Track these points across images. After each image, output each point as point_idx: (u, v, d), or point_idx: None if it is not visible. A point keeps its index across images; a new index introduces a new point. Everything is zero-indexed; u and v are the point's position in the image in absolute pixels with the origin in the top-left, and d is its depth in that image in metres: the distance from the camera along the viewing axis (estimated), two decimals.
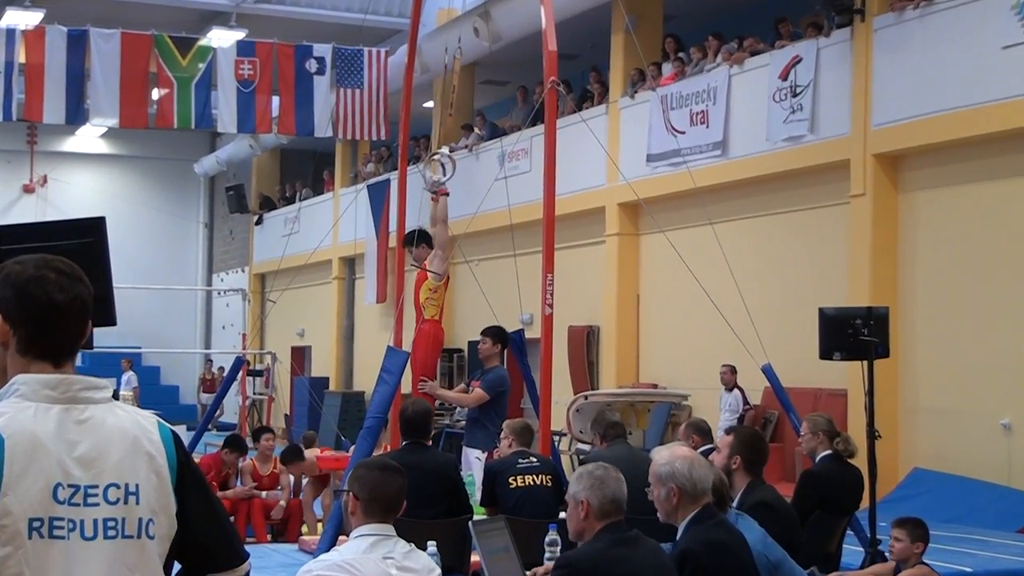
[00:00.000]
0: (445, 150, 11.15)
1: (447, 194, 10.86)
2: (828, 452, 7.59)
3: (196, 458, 12.40)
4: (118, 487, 2.29)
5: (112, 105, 17.35)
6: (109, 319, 2.96)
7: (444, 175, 11.00)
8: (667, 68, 17.87)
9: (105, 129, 29.21)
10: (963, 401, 13.18)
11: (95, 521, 2.27)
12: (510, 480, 7.74)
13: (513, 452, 8.05)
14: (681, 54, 17.70)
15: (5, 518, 2.19)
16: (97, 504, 2.27)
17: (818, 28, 15.05)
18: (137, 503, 2.31)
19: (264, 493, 12.12)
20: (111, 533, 2.28)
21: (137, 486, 2.32)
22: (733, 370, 15.14)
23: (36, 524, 2.21)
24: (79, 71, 17.23)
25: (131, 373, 27.26)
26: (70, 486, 2.25)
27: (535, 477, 7.81)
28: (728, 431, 6.23)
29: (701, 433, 8.00)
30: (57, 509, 2.23)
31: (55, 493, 2.23)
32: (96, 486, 2.27)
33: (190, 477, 2.44)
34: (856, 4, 14.14)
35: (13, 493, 2.20)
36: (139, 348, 29.13)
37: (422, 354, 10.62)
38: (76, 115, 17.52)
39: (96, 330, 2.74)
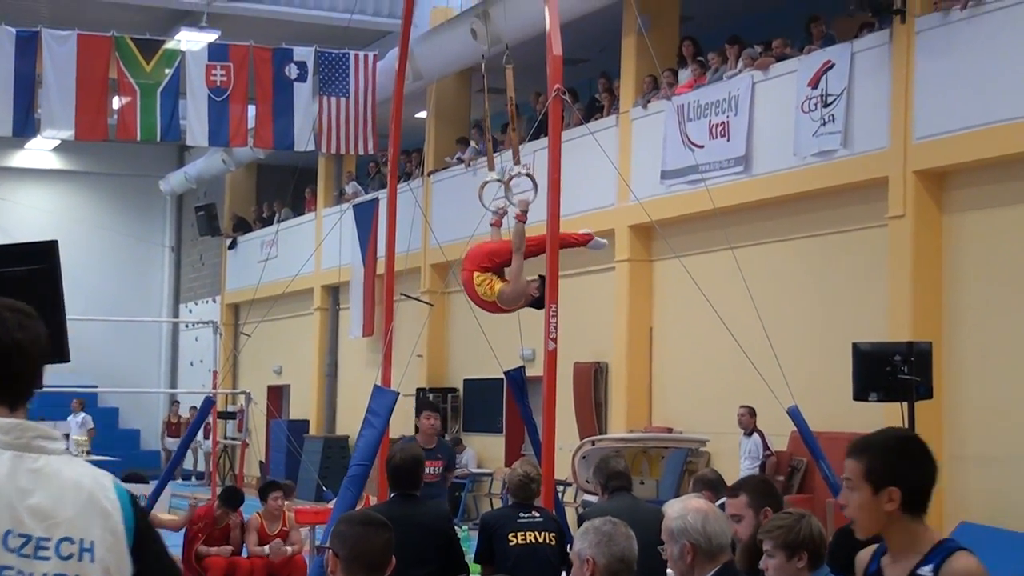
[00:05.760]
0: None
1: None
2: None
3: (189, 511, 12.50)
4: (72, 542, 2.32)
5: (67, 115, 17.33)
6: (61, 354, 2.98)
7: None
8: (684, 74, 17.95)
9: (58, 142, 29.28)
10: (1017, 447, 13.15)
11: None
12: (510, 536, 7.79)
13: (513, 504, 8.09)
14: (699, 59, 17.78)
15: None
16: (48, 558, 2.30)
17: (857, 28, 15.12)
18: (91, 561, 2.34)
19: (267, 549, 12.28)
20: None
21: (92, 543, 2.35)
22: (752, 412, 15.16)
23: None
24: (29, 76, 17.18)
25: (83, 415, 27.11)
26: (20, 535, 2.28)
27: (537, 534, 7.85)
28: (732, 492, 5.96)
29: (711, 486, 7.89)
30: (6, 557, 2.26)
31: (5, 540, 2.26)
32: (48, 539, 2.31)
33: (150, 540, 2.47)
34: (896, 3, 14.17)
35: None
36: (95, 387, 29.00)
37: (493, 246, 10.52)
38: (25, 126, 17.47)
39: (46, 367, 2.76)
